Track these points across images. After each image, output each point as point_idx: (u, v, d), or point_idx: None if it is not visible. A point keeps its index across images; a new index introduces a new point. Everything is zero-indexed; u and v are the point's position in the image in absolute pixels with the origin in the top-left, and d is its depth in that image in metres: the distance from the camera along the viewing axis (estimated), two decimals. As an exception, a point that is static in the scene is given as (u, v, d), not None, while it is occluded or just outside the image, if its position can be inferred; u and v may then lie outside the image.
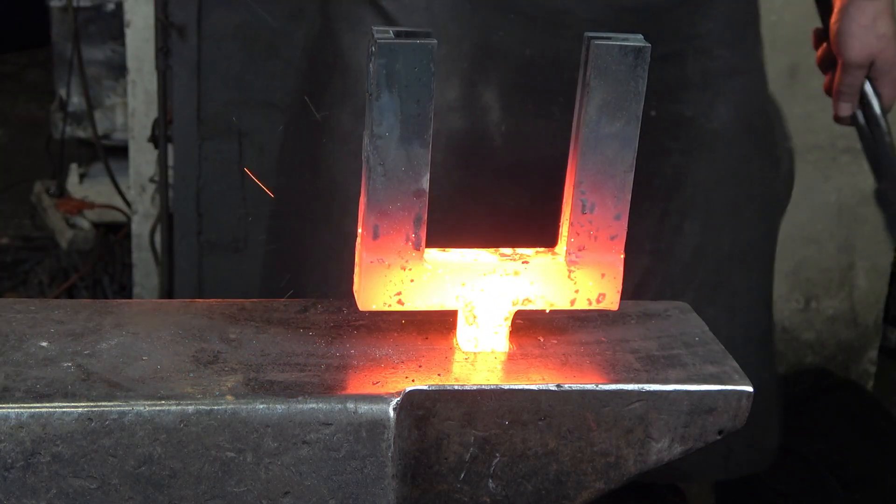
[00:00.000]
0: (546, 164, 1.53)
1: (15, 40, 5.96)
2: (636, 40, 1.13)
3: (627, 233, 1.69)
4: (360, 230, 1.14)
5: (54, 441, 1.03)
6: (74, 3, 3.95)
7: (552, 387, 1.12)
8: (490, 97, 1.59)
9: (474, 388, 1.11)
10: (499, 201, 1.67)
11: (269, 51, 2.88)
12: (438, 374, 1.12)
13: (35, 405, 1.03)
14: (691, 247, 1.81)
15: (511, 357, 1.16)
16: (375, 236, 1.12)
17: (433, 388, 1.10)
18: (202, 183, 2.92)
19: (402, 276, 1.14)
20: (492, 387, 1.11)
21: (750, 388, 1.15)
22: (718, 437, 1.16)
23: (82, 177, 4.27)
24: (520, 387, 1.11)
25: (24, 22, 5.64)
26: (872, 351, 3.28)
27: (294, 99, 1.93)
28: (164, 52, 2.93)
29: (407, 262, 1.13)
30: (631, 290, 1.75)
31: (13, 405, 1.03)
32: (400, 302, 1.14)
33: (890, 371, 3.41)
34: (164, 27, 2.90)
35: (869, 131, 1.89)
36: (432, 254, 1.16)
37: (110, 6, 4.06)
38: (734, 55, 1.77)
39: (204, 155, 2.90)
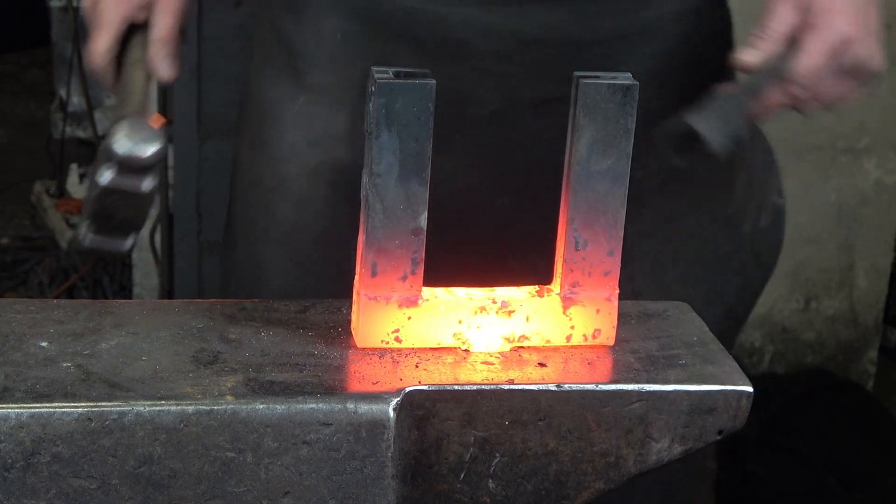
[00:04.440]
0: (450, 203, 1.38)
1: (15, 40, 5.96)
2: (625, 78, 1.14)
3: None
4: (358, 268, 1.15)
5: (54, 441, 1.03)
6: (74, 3, 3.95)
7: (552, 387, 1.12)
8: None
9: (474, 388, 1.11)
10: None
11: (269, 51, 2.87)
12: (438, 374, 1.12)
13: (35, 405, 1.03)
14: None
15: (511, 357, 1.17)
16: (374, 274, 1.14)
17: (433, 388, 1.10)
18: (202, 183, 2.91)
19: (399, 313, 1.15)
20: (492, 387, 1.11)
21: (750, 388, 1.15)
22: (718, 437, 1.16)
23: (82, 177, 4.27)
24: (520, 387, 1.11)
25: (24, 22, 5.63)
26: (872, 351, 3.29)
27: None
28: (164, 52, 2.93)
29: (405, 299, 1.15)
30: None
31: (13, 405, 1.03)
32: (398, 339, 1.16)
33: (890, 371, 3.41)
34: (164, 27, 2.89)
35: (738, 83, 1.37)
36: (428, 292, 1.17)
37: (110, 6, 4.05)
38: (663, 98, 1.46)
39: (204, 155, 2.90)
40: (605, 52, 1.45)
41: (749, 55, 1.34)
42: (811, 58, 1.31)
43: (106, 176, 1.25)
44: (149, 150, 1.25)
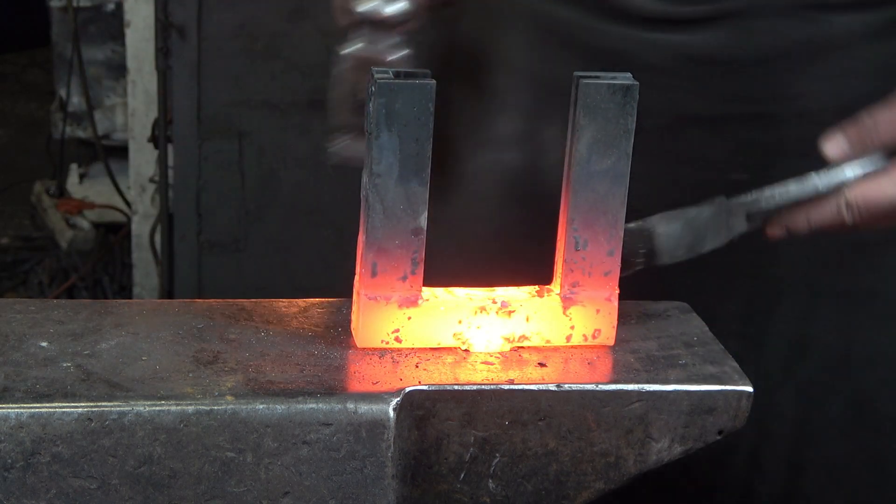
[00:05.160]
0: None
1: (15, 40, 5.97)
2: (624, 79, 1.15)
3: (714, 314, 1.34)
4: (358, 268, 1.16)
5: (54, 441, 1.03)
6: (74, 3, 3.96)
7: (552, 387, 1.12)
8: (550, 133, 1.43)
9: (474, 388, 1.11)
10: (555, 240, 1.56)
11: (269, 51, 2.88)
12: (438, 374, 1.12)
13: (35, 405, 1.03)
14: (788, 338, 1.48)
15: (511, 357, 1.17)
16: (374, 274, 1.14)
17: (433, 388, 1.10)
18: (202, 183, 2.92)
19: (399, 313, 1.15)
20: (492, 387, 1.11)
21: (750, 389, 1.15)
22: (718, 438, 1.16)
23: (82, 177, 4.28)
24: (520, 387, 1.11)
25: (24, 22, 5.64)
26: (872, 351, 3.28)
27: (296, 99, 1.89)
28: (164, 52, 2.94)
29: (405, 299, 1.15)
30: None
31: (13, 405, 1.03)
32: (398, 339, 1.16)
33: (890, 371, 3.40)
34: (164, 27, 2.90)
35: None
36: (428, 292, 1.17)
37: (110, 6, 4.07)
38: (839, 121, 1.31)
39: (204, 155, 2.90)
40: (773, 71, 1.39)
41: (834, 147, 1.18)
42: (891, 187, 1.14)
43: (352, 45, 1.16)
44: (394, 5, 1.16)
